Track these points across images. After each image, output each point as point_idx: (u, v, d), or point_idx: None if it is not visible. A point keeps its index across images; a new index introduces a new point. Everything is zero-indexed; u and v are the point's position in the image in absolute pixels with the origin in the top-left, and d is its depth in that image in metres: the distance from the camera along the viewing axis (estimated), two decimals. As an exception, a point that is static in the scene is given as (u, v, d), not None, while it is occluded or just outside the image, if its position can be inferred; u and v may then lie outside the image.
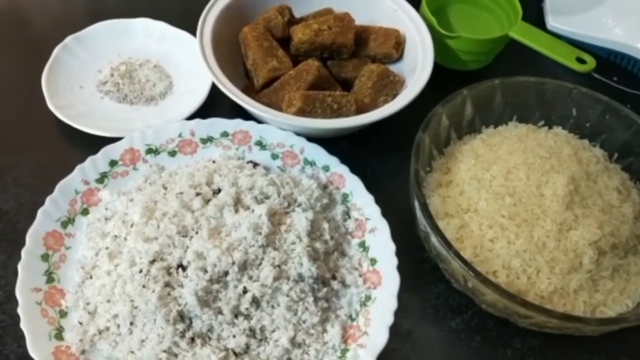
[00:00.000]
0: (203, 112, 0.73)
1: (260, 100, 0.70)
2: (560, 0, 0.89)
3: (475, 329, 0.63)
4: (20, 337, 0.56)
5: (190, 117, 0.72)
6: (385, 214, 0.64)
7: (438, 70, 0.72)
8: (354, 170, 0.68)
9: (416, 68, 0.73)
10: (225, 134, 0.69)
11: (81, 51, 0.78)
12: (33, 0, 0.88)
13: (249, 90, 0.73)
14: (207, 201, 0.61)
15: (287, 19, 0.75)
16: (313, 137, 0.70)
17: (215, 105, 0.74)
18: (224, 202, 0.60)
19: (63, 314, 0.58)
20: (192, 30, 0.78)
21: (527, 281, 0.58)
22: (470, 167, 0.65)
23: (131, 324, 0.55)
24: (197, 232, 0.58)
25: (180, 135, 0.68)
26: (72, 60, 0.77)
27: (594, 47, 0.85)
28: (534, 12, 0.91)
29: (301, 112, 0.67)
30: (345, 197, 0.66)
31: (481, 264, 0.59)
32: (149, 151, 0.67)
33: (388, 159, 0.75)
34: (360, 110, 0.70)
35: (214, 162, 0.67)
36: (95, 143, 0.68)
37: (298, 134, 0.69)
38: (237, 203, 0.61)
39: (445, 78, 0.76)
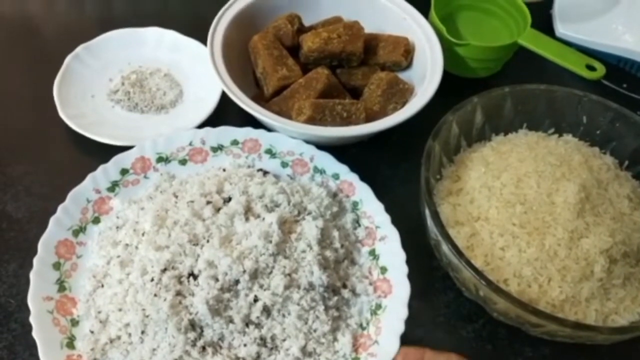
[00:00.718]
0: (213, 120, 0.73)
1: (270, 109, 0.70)
2: (569, 7, 0.89)
3: (487, 337, 0.63)
4: (32, 346, 0.56)
5: (201, 126, 0.72)
6: (394, 221, 0.64)
7: (447, 77, 0.73)
8: (363, 177, 0.68)
9: (425, 76, 0.73)
10: (235, 142, 0.69)
11: (92, 60, 0.79)
12: (43, 9, 0.89)
13: (259, 98, 0.74)
14: (218, 209, 0.61)
15: (297, 28, 0.76)
16: (323, 145, 0.70)
17: (225, 113, 0.75)
18: (235, 210, 0.60)
19: (74, 322, 0.58)
20: (202, 39, 0.79)
21: (538, 290, 0.58)
22: (481, 175, 0.64)
23: (142, 332, 0.55)
24: (208, 241, 0.58)
25: (190, 144, 0.69)
26: (83, 70, 0.78)
27: (603, 54, 0.84)
28: (542, 19, 0.90)
29: (311, 120, 0.67)
30: (355, 205, 0.66)
31: (492, 272, 0.59)
32: (160, 159, 0.68)
33: (397, 166, 0.75)
34: (370, 118, 0.71)
35: (224, 170, 0.67)
36: (107, 152, 0.69)
37: (308, 142, 0.69)
38: (248, 211, 0.61)
39: (454, 85, 0.76)
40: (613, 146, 0.69)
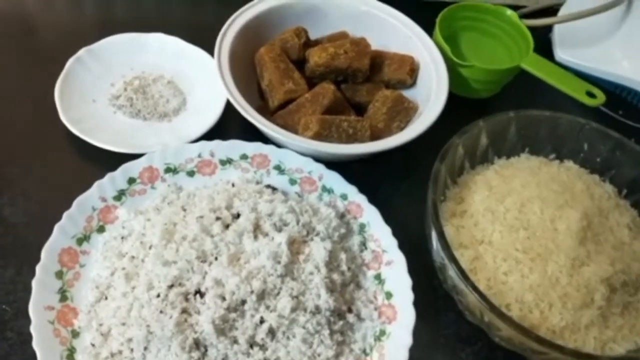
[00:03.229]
0: (216, 131, 0.73)
1: (275, 122, 0.70)
2: (568, 32, 0.90)
3: (485, 360, 0.63)
4: (30, 355, 0.55)
5: (204, 136, 0.71)
6: (395, 238, 0.64)
7: (448, 97, 0.73)
8: (364, 193, 0.68)
9: (430, 95, 0.73)
10: (244, 157, 0.69)
11: (94, 64, 0.77)
12: (45, 11, 0.87)
13: (263, 110, 0.73)
14: (227, 226, 0.60)
15: (304, 41, 0.76)
16: (325, 160, 0.70)
17: (228, 124, 0.74)
18: (244, 227, 0.59)
19: (75, 334, 0.57)
20: (205, 47, 0.79)
21: (539, 316, 0.58)
22: (484, 199, 0.65)
23: (145, 349, 0.54)
24: (216, 258, 0.57)
25: (199, 156, 0.68)
26: (85, 73, 0.76)
27: (600, 80, 0.86)
28: (541, 42, 0.91)
29: (318, 136, 0.67)
30: (362, 227, 0.66)
31: (494, 296, 0.59)
32: (168, 170, 0.67)
33: (399, 183, 0.75)
34: (375, 135, 0.71)
35: (233, 185, 0.66)
36: (107, 158, 0.68)
37: (311, 156, 0.69)
38: (256, 229, 0.60)
39: (455, 105, 0.76)
40: (612, 174, 0.70)
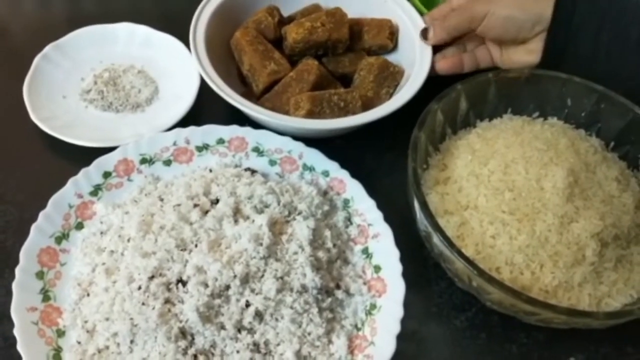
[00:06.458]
0: (191, 117, 0.71)
1: (264, 106, 0.68)
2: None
3: (480, 326, 0.62)
4: (18, 358, 0.54)
5: (179, 123, 0.70)
6: (382, 211, 0.63)
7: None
8: (347, 168, 0.66)
9: (414, 57, 0.72)
10: (221, 141, 0.67)
11: (62, 59, 0.76)
12: (9, 8, 0.85)
13: (248, 96, 0.71)
14: (206, 212, 0.59)
15: (278, 20, 0.74)
16: (311, 138, 0.68)
17: (203, 109, 0.73)
18: (223, 212, 0.58)
19: (61, 333, 0.56)
20: (175, 34, 0.77)
21: (531, 276, 0.57)
22: (468, 163, 0.63)
23: (131, 342, 0.53)
24: (196, 246, 0.56)
25: (175, 144, 0.66)
26: (53, 70, 0.75)
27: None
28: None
29: (310, 114, 0.66)
30: (346, 202, 0.65)
31: (483, 261, 0.58)
32: (144, 161, 0.65)
33: (382, 156, 0.74)
34: (365, 104, 0.69)
35: (210, 171, 0.65)
36: (82, 154, 0.67)
37: (303, 136, 0.68)
38: (237, 213, 0.59)
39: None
40: (598, 128, 0.68)
